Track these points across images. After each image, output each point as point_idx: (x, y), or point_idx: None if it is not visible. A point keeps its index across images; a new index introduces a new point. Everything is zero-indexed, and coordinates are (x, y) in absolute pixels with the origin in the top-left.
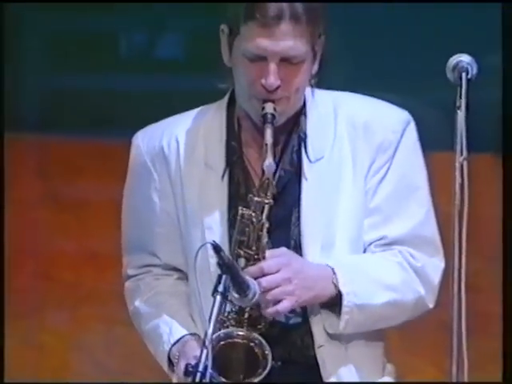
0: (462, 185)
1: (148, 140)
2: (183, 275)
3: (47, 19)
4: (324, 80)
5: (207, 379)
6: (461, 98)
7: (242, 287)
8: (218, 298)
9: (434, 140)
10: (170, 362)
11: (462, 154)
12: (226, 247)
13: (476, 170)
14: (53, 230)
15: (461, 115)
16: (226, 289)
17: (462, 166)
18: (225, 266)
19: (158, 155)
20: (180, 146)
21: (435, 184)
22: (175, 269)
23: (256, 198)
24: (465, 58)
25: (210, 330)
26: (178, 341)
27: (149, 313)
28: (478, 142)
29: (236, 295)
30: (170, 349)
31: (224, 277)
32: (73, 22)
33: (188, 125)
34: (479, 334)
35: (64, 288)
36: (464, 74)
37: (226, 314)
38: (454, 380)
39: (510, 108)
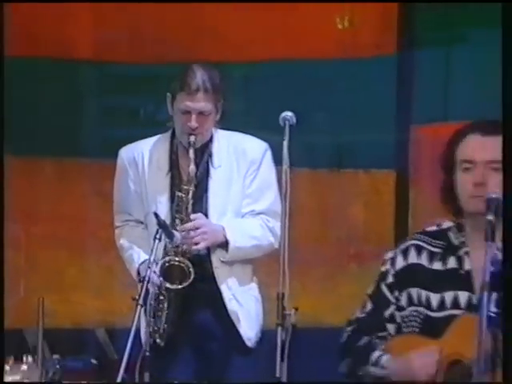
0: (286, 182)
1: (127, 152)
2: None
3: (101, 98)
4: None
5: (150, 283)
6: (285, 136)
7: (170, 237)
8: (156, 241)
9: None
10: (138, 275)
11: (286, 165)
12: (169, 213)
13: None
14: (97, 215)
15: (285, 144)
16: (161, 236)
17: (286, 172)
18: (160, 225)
19: (132, 161)
20: (144, 156)
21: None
22: (142, 222)
23: (185, 187)
24: (289, 113)
25: (152, 258)
26: (142, 263)
27: (127, 247)
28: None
29: (167, 240)
30: (138, 267)
31: (160, 230)
32: (115, 100)
33: (150, 145)
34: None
35: (102, 242)
36: (287, 122)
37: (169, 249)
38: (281, 286)
39: (510, 109)
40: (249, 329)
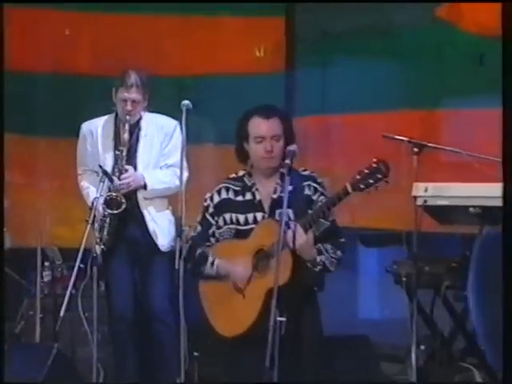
0: (183, 143)
1: (86, 126)
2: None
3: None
4: None
5: (97, 210)
6: (183, 116)
7: (111, 181)
8: (101, 184)
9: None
10: (92, 205)
11: (183, 134)
12: (111, 166)
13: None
14: None
15: (183, 121)
16: (104, 180)
17: (183, 139)
18: (104, 173)
19: (89, 132)
20: (98, 129)
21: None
22: (95, 171)
23: (121, 147)
24: (186, 101)
25: (98, 194)
26: (95, 198)
27: (86, 186)
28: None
29: (109, 183)
30: (92, 201)
31: (104, 176)
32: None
33: (101, 121)
34: None
35: None
36: (184, 107)
37: (111, 188)
38: (179, 211)
39: (510, 109)
40: (163, 239)
